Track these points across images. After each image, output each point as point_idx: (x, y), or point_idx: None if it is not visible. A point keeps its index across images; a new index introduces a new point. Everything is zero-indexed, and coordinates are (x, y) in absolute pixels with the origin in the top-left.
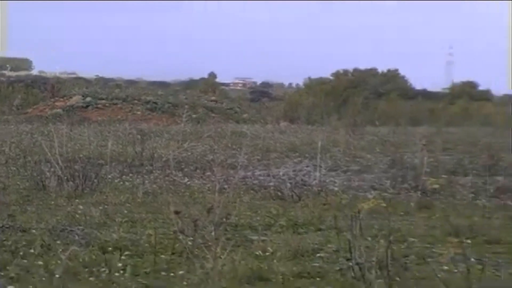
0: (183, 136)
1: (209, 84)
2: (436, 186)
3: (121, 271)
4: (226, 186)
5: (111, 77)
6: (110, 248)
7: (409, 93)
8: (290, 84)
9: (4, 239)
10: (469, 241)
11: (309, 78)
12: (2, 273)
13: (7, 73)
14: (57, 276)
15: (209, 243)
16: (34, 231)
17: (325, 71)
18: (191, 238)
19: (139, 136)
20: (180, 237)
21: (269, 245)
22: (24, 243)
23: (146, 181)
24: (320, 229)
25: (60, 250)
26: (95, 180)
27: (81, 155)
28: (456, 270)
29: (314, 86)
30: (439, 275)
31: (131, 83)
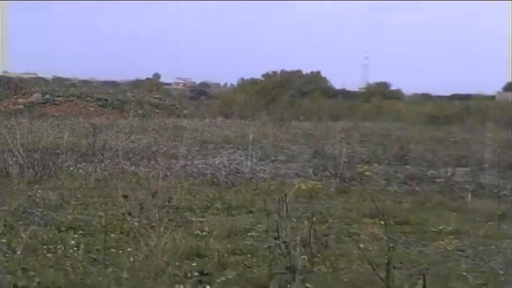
0: (131, 129)
1: (154, 83)
2: (368, 173)
3: (75, 248)
4: (168, 174)
5: (67, 77)
6: (66, 228)
7: (329, 92)
8: (225, 84)
9: None
10: (382, 222)
11: (242, 78)
12: None
13: None
14: (18, 252)
15: (153, 224)
16: None
17: (256, 72)
18: (138, 219)
19: (91, 129)
20: (128, 218)
21: (206, 225)
22: None
23: (98, 169)
24: (251, 212)
25: (21, 229)
26: (53, 168)
27: (40, 146)
28: (371, 248)
29: (246, 85)
30: (356, 251)
31: (85, 82)
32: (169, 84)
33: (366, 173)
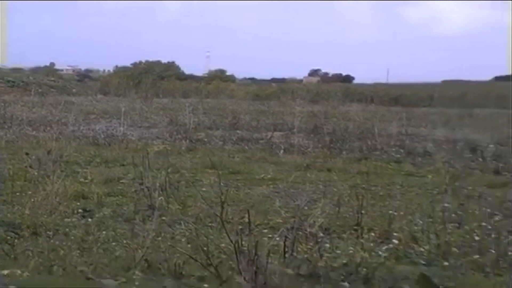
0: (32, 104)
1: (50, 69)
2: (201, 136)
3: None
4: (60, 136)
5: None
6: None
7: (182, 76)
8: (104, 70)
9: None
10: (220, 172)
11: (117, 66)
12: None
13: None
14: None
15: (49, 174)
16: None
17: (127, 61)
18: (37, 171)
19: (2, 104)
20: (30, 170)
21: (89, 175)
22: None
23: (7, 134)
24: (123, 165)
25: None
26: None
27: None
28: (210, 191)
29: (120, 71)
30: (199, 193)
31: None
32: (61, 70)
33: (202, 136)
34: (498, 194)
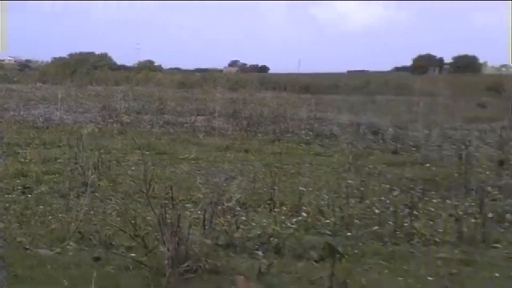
0: None
1: None
2: (128, 120)
3: None
4: (2, 120)
5: None
6: None
7: (114, 66)
8: (43, 61)
9: None
10: (147, 152)
11: (54, 57)
12: None
13: None
14: None
15: None
16: None
17: (64, 52)
18: None
19: None
20: None
21: (28, 155)
22: None
23: None
24: (59, 146)
25: None
26: None
27: None
28: (139, 169)
29: (57, 61)
30: (129, 172)
31: None
32: (3, 60)
33: (131, 120)
34: (396, 172)
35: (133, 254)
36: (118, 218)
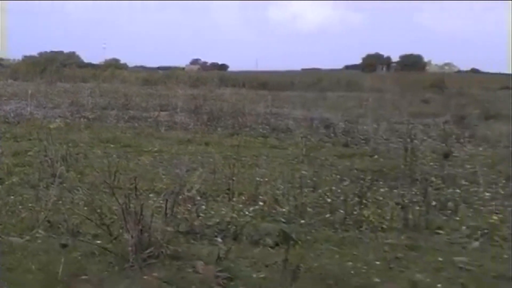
0: None
1: None
2: (95, 115)
3: None
4: None
5: None
6: None
7: (81, 64)
8: (14, 59)
9: None
10: (113, 145)
11: (25, 55)
12: None
13: None
14: None
15: None
16: None
17: (35, 51)
18: None
19: None
20: None
21: (0, 148)
22: None
23: None
24: (29, 139)
25: None
26: None
27: None
28: (104, 161)
29: (28, 59)
30: (95, 164)
31: None
32: None
33: (98, 115)
34: (346, 163)
35: (98, 241)
36: (85, 208)
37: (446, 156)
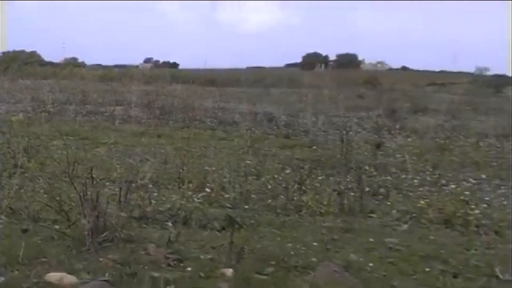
0: None
1: None
2: (55, 110)
3: None
4: None
5: None
6: None
7: (42, 63)
8: None
9: None
10: (72, 138)
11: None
12: None
13: None
14: None
15: None
16: None
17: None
18: None
19: None
20: None
21: None
22: None
23: None
24: None
25: None
26: None
27: None
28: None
29: None
30: (55, 155)
31: None
32: None
33: (57, 110)
34: (288, 153)
35: (57, 226)
36: (45, 195)
37: (378, 146)
